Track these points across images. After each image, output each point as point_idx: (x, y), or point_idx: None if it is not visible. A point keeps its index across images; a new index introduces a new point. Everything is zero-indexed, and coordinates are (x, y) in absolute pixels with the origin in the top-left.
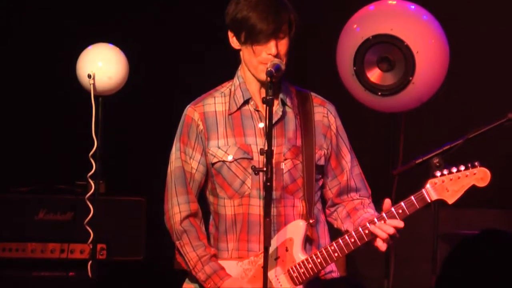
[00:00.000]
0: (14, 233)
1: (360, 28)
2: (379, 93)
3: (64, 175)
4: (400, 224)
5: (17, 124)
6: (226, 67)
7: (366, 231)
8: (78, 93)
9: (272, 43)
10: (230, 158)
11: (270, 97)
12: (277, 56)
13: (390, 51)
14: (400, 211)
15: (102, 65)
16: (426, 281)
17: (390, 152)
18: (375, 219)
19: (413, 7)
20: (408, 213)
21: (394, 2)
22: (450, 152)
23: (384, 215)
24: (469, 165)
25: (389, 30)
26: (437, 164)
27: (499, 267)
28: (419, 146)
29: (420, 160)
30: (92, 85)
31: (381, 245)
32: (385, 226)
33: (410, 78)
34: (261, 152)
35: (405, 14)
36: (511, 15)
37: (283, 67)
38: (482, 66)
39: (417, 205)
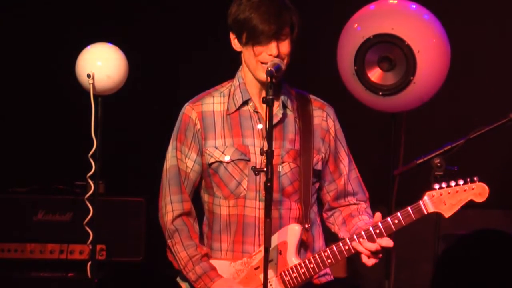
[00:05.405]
0: (13, 233)
1: (360, 28)
2: (380, 93)
3: (63, 175)
4: (390, 243)
5: (16, 124)
6: (226, 67)
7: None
8: (78, 93)
9: (273, 44)
10: (227, 158)
11: (270, 97)
12: (278, 57)
13: (391, 50)
14: (396, 221)
15: (101, 65)
16: (427, 282)
17: (391, 152)
18: (362, 232)
19: (414, 6)
20: (404, 224)
21: (395, 2)
22: (451, 152)
23: (379, 224)
24: (468, 179)
25: (390, 29)
26: (438, 164)
27: (494, 266)
28: (420, 146)
29: (421, 160)
30: (91, 85)
31: (366, 261)
32: (366, 243)
33: (411, 77)
34: (261, 152)
35: (406, 13)
36: (511, 15)
37: (283, 67)
38: (482, 66)
39: (413, 216)
